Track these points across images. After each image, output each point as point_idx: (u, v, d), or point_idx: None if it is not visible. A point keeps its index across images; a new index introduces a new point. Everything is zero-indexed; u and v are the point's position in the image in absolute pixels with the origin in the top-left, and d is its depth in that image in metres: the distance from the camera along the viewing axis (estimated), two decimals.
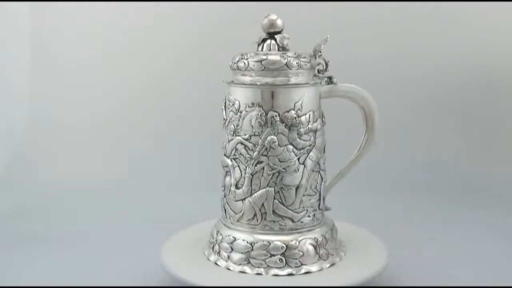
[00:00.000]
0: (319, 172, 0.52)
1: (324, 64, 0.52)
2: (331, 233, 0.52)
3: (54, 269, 0.57)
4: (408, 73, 0.90)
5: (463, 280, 0.54)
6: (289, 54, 0.50)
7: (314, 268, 0.49)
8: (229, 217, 0.52)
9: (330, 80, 0.52)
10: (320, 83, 0.52)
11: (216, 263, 0.51)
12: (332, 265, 0.51)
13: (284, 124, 0.49)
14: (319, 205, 0.52)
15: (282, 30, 0.51)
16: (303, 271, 0.49)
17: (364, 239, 0.56)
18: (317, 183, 0.52)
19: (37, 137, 0.89)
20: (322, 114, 0.52)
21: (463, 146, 0.87)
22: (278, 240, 0.50)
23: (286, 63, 0.49)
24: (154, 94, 0.92)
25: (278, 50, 0.50)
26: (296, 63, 0.49)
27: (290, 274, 0.49)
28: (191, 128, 0.89)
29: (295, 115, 0.49)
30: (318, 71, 0.51)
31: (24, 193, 0.80)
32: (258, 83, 0.49)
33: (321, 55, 0.51)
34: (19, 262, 0.59)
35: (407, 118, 0.90)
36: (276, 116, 0.49)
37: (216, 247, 0.52)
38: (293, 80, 0.49)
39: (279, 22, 0.51)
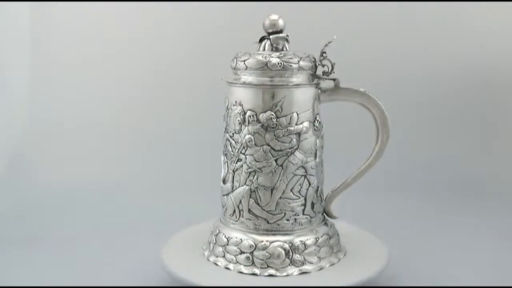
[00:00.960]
0: (305, 176, 0.50)
1: (330, 66, 0.51)
2: (316, 240, 0.51)
3: (54, 269, 0.57)
4: (408, 73, 0.90)
5: (463, 280, 0.54)
6: (274, 54, 0.49)
7: (284, 272, 0.49)
8: (223, 213, 0.53)
9: (334, 83, 0.52)
10: (317, 85, 0.51)
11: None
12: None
13: (261, 124, 0.49)
14: (303, 210, 0.51)
15: (281, 30, 0.51)
16: (267, 273, 0.49)
17: (364, 239, 0.56)
18: (301, 187, 0.50)
19: (37, 137, 0.89)
20: (316, 117, 0.51)
21: (464, 146, 0.87)
22: (249, 238, 0.50)
23: (267, 63, 0.49)
24: (154, 94, 0.92)
25: (272, 50, 0.51)
26: (279, 63, 0.49)
27: (253, 274, 0.49)
28: (191, 128, 0.89)
29: (272, 116, 0.49)
30: (323, 73, 0.51)
31: (24, 193, 0.80)
32: (242, 82, 0.50)
33: (325, 56, 0.51)
34: (19, 262, 0.59)
35: (407, 118, 0.90)
36: (253, 115, 0.49)
37: (212, 246, 0.53)
38: (276, 80, 0.49)
39: (280, 22, 0.51)
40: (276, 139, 0.49)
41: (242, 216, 0.51)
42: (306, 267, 0.50)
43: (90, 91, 0.92)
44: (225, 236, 0.51)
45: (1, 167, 0.85)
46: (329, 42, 0.51)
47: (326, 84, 0.52)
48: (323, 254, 0.51)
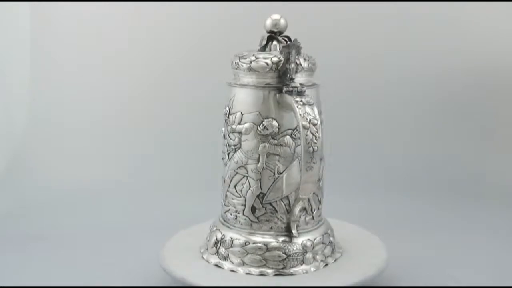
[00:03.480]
0: (246, 177, 0.50)
1: (292, 70, 0.48)
2: (243, 240, 0.51)
3: (54, 269, 0.57)
4: (408, 73, 0.90)
5: (463, 280, 0.54)
6: (240, 53, 0.51)
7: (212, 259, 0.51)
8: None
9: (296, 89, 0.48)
10: (279, 88, 0.49)
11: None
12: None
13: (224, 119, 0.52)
14: (243, 210, 0.51)
15: (279, 31, 0.51)
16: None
17: (364, 239, 0.56)
18: (242, 187, 0.51)
19: (37, 137, 0.89)
20: (263, 122, 0.49)
21: (463, 146, 0.87)
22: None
23: (232, 62, 0.51)
24: (154, 94, 0.92)
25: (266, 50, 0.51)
26: (235, 63, 0.50)
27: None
28: (192, 128, 0.89)
29: (225, 112, 0.52)
30: (287, 77, 0.49)
31: (24, 193, 0.80)
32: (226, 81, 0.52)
33: (290, 59, 0.48)
34: (19, 262, 0.59)
35: (407, 118, 0.90)
36: (225, 112, 0.52)
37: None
38: (234, 79, 0.52)
39: (282, 22, 0.51)
40: (227, 134, 0.51)
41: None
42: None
43: (90, 91, 0.92)
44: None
45: (1, 167, 0.85)
46: (291, 43, 0.48)
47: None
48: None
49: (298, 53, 0.48)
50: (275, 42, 0.51)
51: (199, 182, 0.80)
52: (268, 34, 0.51)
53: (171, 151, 0.88)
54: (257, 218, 0.51)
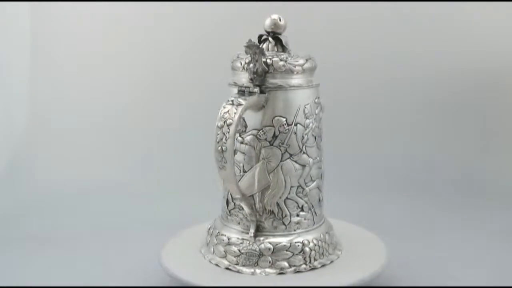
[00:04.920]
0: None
1: (253, 72, 0.49)
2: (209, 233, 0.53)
3: (54, 269, 0.57)
4: (408, 73, 0.90)
5: (463, 280, 0.54)
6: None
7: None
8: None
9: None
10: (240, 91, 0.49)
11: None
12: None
13: None
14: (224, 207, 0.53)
15: (272, 32, 0.51)
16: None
17: (364, 238, 0.56)
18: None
19: (37, 137, 0.89)
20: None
21: (463, 146, 0.87)
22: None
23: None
24: (154, 94, 0.92)
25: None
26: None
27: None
28: (192, 128, 0.89)
29: None
30: (251, 79, 0.49)
31: (24, 193, 0.80)
32: None
33: (255, 59, 0.48)
34: (19, 262, 0.59)
35: (407, 118, 0.90)
36: None
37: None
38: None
39: (282, 21, 0.51)
40: None
41: None
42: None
43: (90, 91, 0.92)
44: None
45: (1, 167, 0.85)
46: (248, 43, 0.48)
47: None
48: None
49: (261, 53, 0.48)
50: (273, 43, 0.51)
51: (199, 182, 0.79)
52: (259, 35, 0.51)
53: (171, 151, 0.88)
54: (229, 211, 0.52)
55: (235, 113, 0.46)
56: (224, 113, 0.46)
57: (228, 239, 0.51)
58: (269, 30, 0.51)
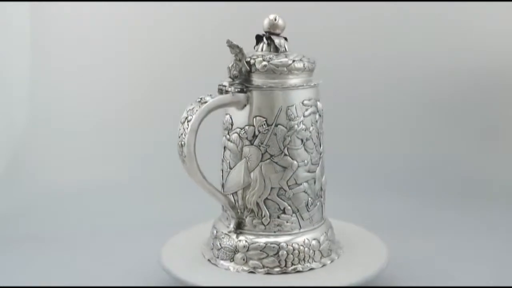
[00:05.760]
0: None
1: (235, 72, 0.50)
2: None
3: (54, 269, 0.57)
4: (408, 73, 0.90)
5: (463, 280, 0.54)
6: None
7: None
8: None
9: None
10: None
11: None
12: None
13: None
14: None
15: (268, 32, 0.51)
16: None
17: (364, 238, 0.56)
18: None
19: (37, 137, 0.89)
20: (225, 116, 0.51)
21: (463, 146, 0.87)
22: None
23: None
24: (154, 94, 0.92)
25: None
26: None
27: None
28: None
29: None
30: (232, 78, 0.50)
31: (24, 193, 0.80)
32: None
33: (237, 58, 0.49)
34: (19, 262, 0.59)
35: (407, 118, 0.90)
36: None
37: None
38: None
39: (280, 22, 0.51)
40: None
41: None
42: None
43: (90, 91, 0.92)
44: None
45: (1, 167, 0.85)
46: (228, 44, 0.49)
47: None
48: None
49: (242, 54, 0.49)
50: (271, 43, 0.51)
51: None
52: (256, 35, 0.52)
53: (171, 151, 0.88)
54: (222, 206, 0.53)
55: (197, 110, 0.48)
56: (189, 109, 0.48)
57: (216, 232, 0.52)
58: (266, 30, 0.51)
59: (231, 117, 0.51)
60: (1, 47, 0.89)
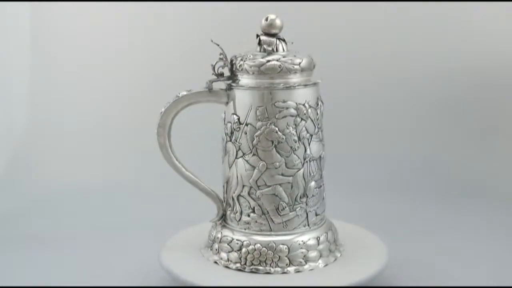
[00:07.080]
0: None
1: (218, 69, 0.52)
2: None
3: (54, 269, 0.57)
4: (408, 73, 0.90)
5: (463, 280, 0.54)
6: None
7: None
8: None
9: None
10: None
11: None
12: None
13: None
14: None
15: (264, 32, 0.51)
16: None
17: (364, 238, 0.56)
18: None
19: (37, 137, 0.89)
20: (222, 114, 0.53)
21: (463, 146, 0.87)
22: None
23: None
24: (154, 94, 0.92)
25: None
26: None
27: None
28: (191, 128, 0.89)
29: None
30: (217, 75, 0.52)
31: (24, 193, 0.80)
32: None
33: (221, 57, 0.52)
34: (19, 262, 0.59)
35: (407, 117, 0.90)
36: None
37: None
38: None
39: (278, 22, 0.51)
40: None
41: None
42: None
43: (90, 91, 0.92)
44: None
45: (1, 167, 0.85)
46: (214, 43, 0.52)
47: None
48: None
49: (222, 53, 0.52)
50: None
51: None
52: (256, 34, 0.52)
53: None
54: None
55: (166, 106, 0.53)
56: (168, 102, 0.53)
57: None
58: (264, 30, 0.51)
59: (224, 113, 0.53)
60: (1, 47, 0.89)
